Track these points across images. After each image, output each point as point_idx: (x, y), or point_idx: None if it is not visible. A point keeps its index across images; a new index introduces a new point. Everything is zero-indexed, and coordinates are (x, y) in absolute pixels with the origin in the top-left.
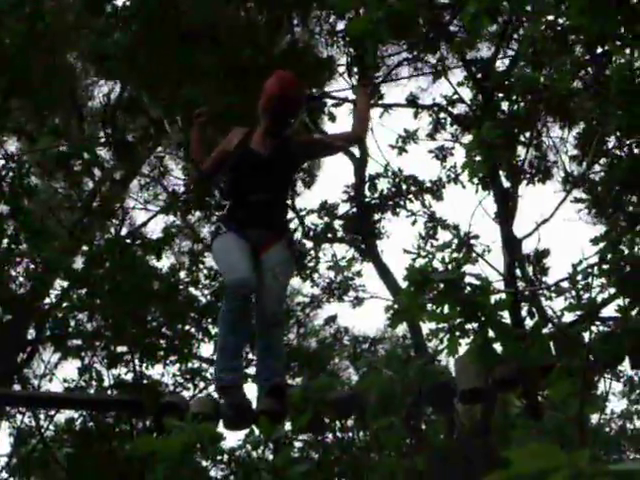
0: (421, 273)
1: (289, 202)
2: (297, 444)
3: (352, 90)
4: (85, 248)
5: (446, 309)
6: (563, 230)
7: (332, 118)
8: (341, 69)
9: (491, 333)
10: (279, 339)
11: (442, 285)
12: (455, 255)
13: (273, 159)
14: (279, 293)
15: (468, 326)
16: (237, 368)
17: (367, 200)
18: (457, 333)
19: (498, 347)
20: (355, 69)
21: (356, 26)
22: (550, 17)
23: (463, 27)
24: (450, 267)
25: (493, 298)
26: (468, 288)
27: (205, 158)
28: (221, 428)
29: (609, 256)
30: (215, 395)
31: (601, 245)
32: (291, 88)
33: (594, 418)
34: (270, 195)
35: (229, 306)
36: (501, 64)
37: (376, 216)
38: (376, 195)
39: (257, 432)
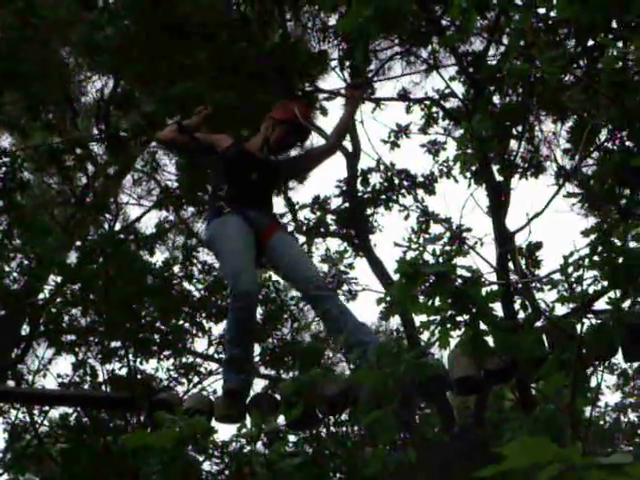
0: (411, 266)
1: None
2: (291, 438)
3: (344, 90)
4: (79, 243)
5: (437, 301)
6: (555, 222)
7: (324, 112)
8: (333, 63)
9: (483, 325)
10: (339, 303)
11: (433, 277)
12: (447, 248)
13: (265, 163)
14: (309, 264)
15: (459, 318)
16: (245, 379)
17: (360, 194)
18: (448, 325)
19: (490, 339)
20: (347, 63)
21: (345, 23)
22: (541, 10)
23: (454, 22)
24: (441, 259)
25: (484, 290)
26: (459, 280)
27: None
28: (214, 423)
29: (600, 248)
30: (209, 390)
31: (592, 237)
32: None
33: (587, 411)
34: (263, 180)
35: (234, 317)
36: (493, 58)
37: (369, 210)
38: (368, 189)
39: (249, 425)
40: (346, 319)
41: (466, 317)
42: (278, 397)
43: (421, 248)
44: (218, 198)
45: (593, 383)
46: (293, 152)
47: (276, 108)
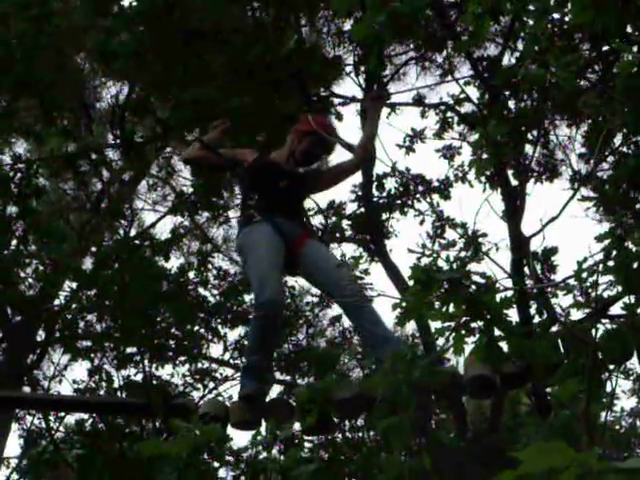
0: (425, 272)
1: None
2: (307, 444)
3: (363, 103)
4: (94, 249)
5: (451, 308)
6: (570, 227)
7: (339, 118)
8: (348, 68)
9: (497, 331)
10: (373, 313)
11: (447, 284)
12: (462, 254)
13: (292, 174)
14: (343, 274)
15: (474, 324)
16: (262, 387)
17: (375, 199)
18: (463, 332)
19: (504, 345)
20: (362, 68)
21: (359, 30)
22: (555, 15)
23: (468, 27)
24: (455, 266)
25: (499, 296)
26: (473, 287)
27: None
28: (229, 429)
29: (614, 253)
30: (225, 395)
31: (606, 242)
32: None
33: (603, 416)
34: (291, 190)
35: (256, 325)
36: (508, 62)
37: (384, 215)
38: (384, 194)
39: (264, 432)
40: (377, 331)
41: (481, 323)
42: (293, 403)
43: (435, 254)
44: (248, 207)
45: (608, 388)
46: (318, 164)
47: (301, 121)
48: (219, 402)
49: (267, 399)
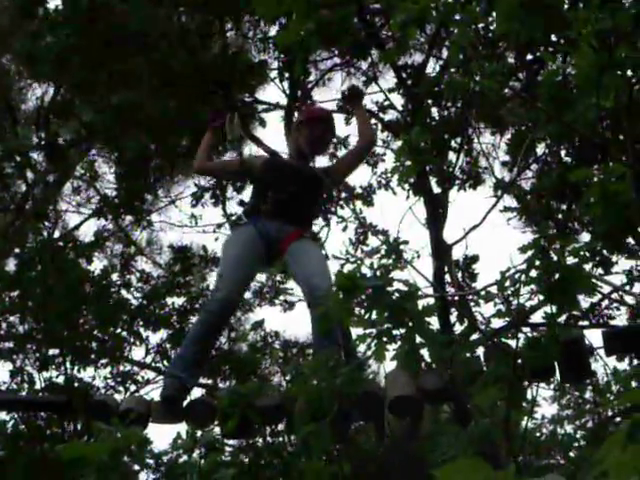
0: (349, 279)
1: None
2: (227, 448)
3: (343, 101)
4: (17, 251)
5: (374, 314)
6: (493, 236)
7: (262, 124)
8: (273, 74)
9: (419, 339)
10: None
11: (370, 290)
12: (384, 261)
13: (303, 171)
14: (322, 271)
15: (396, 332)
16: (186, 380)
17: None
18: (384, 339)
19: (426, 353)
20: (286, 74)
21: (285, 37)
22: (480, 24)
23: (393, 35)
24: (378, 273)
25: (421, 303)
26: (396, 294)
27: (207, 162)
28: (150, 429)
29: (537, 263)
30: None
31: (529, 253)
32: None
33: (523, 423)
34: (296, 192)
35: (205, 318)
36: (432, 70)
37: None
38: None
39: (184, 436)
40: (324, 341)
41: (402, 330)
42: (215, 402)
43: (359, 261)
44: (243, 210)
45: (529, 396)
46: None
47: (295, 121)
48: (141, 398)
49: (189, 398)
